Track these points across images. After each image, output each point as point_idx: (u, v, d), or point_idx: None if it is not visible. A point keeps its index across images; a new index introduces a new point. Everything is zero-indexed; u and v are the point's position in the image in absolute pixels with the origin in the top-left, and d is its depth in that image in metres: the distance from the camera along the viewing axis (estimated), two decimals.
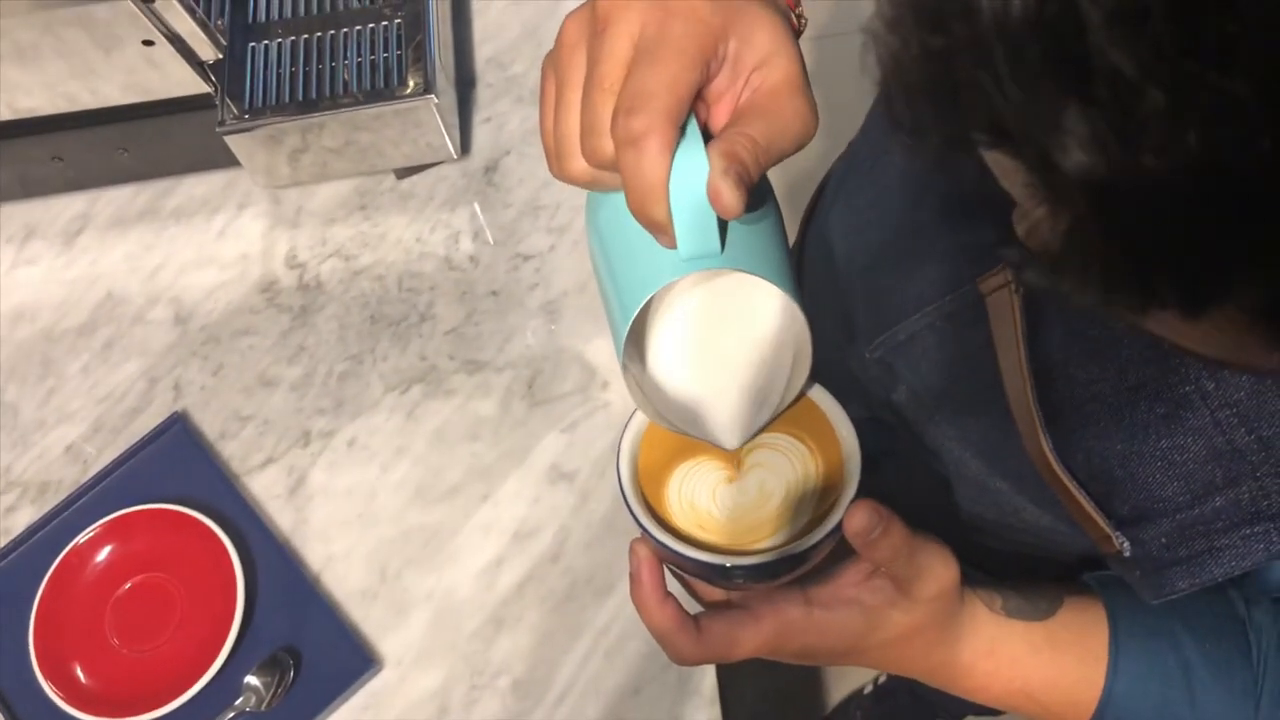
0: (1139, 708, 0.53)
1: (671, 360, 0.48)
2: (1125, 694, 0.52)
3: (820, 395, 0.51)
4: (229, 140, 0.79)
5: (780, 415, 0.51)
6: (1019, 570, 0.59)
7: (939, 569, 0.49)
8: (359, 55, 0.80)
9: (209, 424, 0.80)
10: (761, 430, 0.51)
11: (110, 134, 0.83)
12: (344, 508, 0.77)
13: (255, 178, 0.84)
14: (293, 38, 0.81)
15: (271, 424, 0.80)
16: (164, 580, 0.74)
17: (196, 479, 0.77)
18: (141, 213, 0.89)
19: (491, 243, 0.84)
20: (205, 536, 0.72)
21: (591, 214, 0.46)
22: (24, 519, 0.78)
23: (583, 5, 0.41)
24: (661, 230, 0.39)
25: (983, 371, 0.53)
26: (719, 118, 0.41)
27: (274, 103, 0.79)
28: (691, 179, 0.38)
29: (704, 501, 0.50)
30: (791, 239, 0.81)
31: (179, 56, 0.76)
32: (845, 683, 1.54)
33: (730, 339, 0.48)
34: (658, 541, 0.48)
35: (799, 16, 0.46)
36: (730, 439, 0.50)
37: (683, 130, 0.38)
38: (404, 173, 0.87)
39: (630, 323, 0.42)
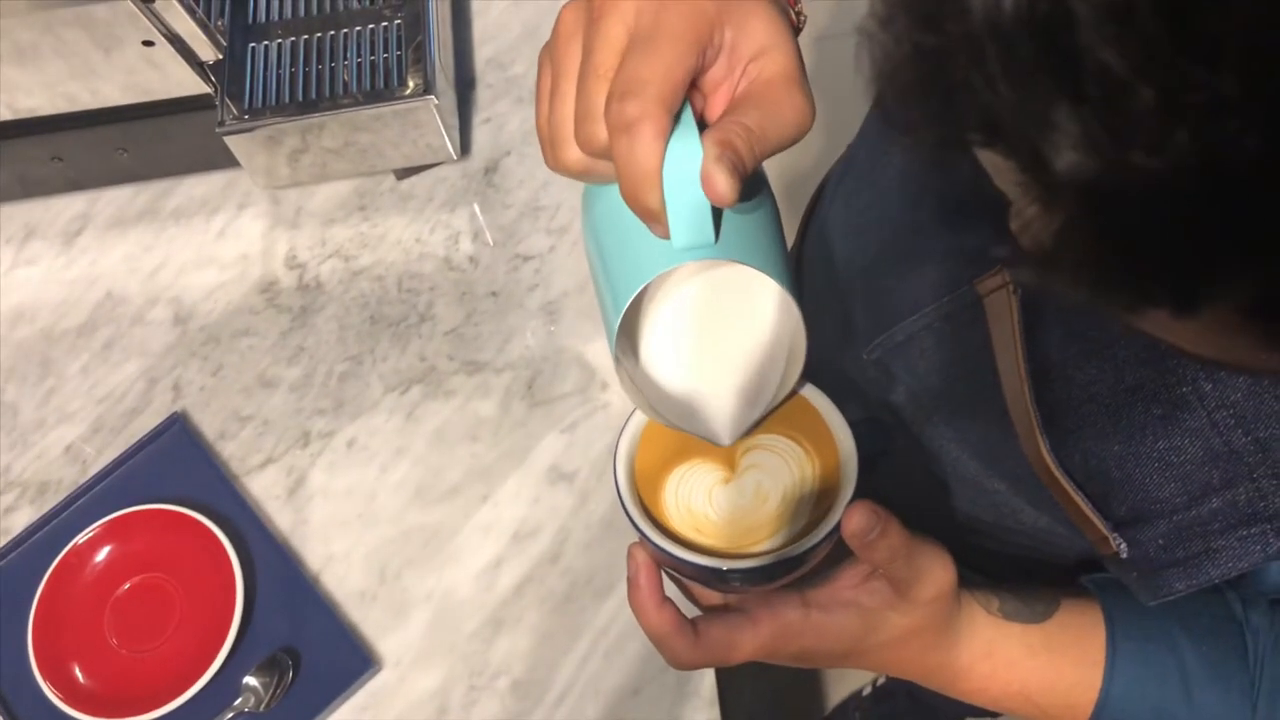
0: (1136, 710, 0.53)
1: (665, 353, 0.48)
2: (1122, 696, 0.52)
3: (817, 397, 0.51)
4: (229, 141, 0.79)
5: (775, 412, 0.51)
6: (1016, 572, 0.59)
7: (937, 571, 0.49)
8: (359, 56, 0.80)
9: (208, 424, 0.80)
10: (756, 425, 0.50)
11: (110, 134, 0.83)
12: (343, 508, 0.77)
13: (255, 178, 0.84)
14: (293, 38, 0.81)
15: (271, 424, 0.80)
16: (163, 580, 0.74)
17: (196, 479, 0.77)
18: (141, 213, 0.89)
19: (491, 244, 0.84)
20: (204, 537, 0.72)
21: (587, 207, 0.46)
22: (23, 519, 0.78)
23: None
24: (654, 218, 0.39)
25: (981, 373, 0.53)
26: (715, 107, 0.41)
27: (274, 103, 0.79)
28: (685, 166, 0.37)
29: (700, 504, 0.50)
30: (790, 240, 0.82)
31: (179, 57, 0.76)
32: (844, 684, 1.54)
33: (725, 332, 0.48)
34: (654, 545, 0.48)
35: (798, 14, 0.46)
36: (724, 434, 0.50)
37: (677, 118, 0.38)
38: (404, 173, 0.87)
39: (622, 314, 0.41)
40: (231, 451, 0.79)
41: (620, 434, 0.51)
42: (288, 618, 0.73)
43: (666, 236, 0.39)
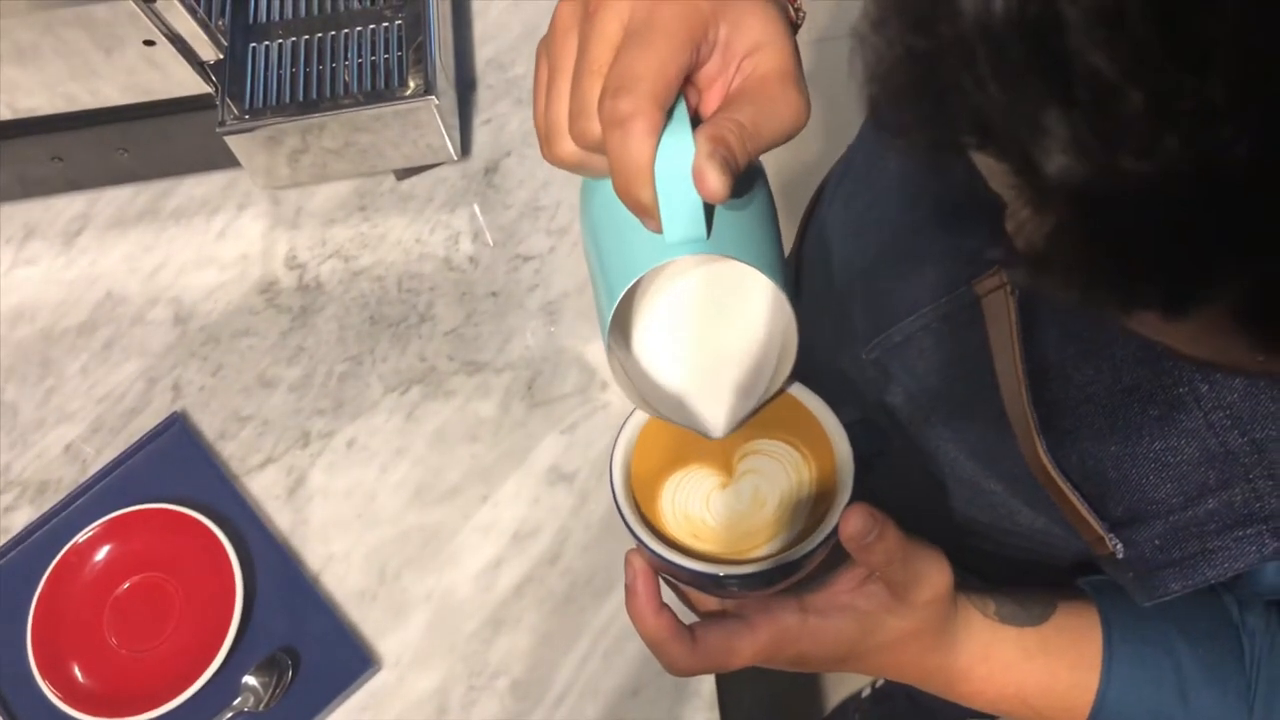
0: (1133, 712, 0.53)
1: (658, 345, 0.48)
2: (1119, 699, 0.52)
3: (812, 401, 0.51)
4: (229, 141, 0.79)
5: (766, 406, 0.51)
6: (1013, 574, 0.59)
7: (933, 573, 0.49)
8: (359, 56, 0.80)
9: (208, 424, 0.80)
10: (748, 419, 0.50)
11: (110, 134, 0.83)
12: (343, 508, 0.77)
13: (255, 178, 0.84)
14: (293, 38, 0.81)
15: (271, 424, 0.80)
16: (163, 580, 0.74)
17: (195, 479, 0.77)
18: (141, 213, 0.89)
19: (491, 244, 0.84)
20: (204, 536, 0.73)
21: (584, 199, 0.46)
22: (23, 518, 0.78)
23: None
24: (647, 213, 0.39)
25: (978, 373, 0.53)
26: (710, 104, 0.41)
27: (274, 103, 0.79)
28: (678, 162, 0.38)
29: (697, 510, 0.50)
30: (790, 241, 0.82)
31: (179, 57, 0.76)
32: (843, 686, 1.54)
33: (717, 326, 0.48)
34: (651, 551, 0.48)
35: (797, 10, 0.46)
36: (715, 426, 0.50)
37: (671, 114, 0.38)
38: (404, 174, 0.87)
39: (615, 306, 0.42)
40: (231, 451, 0.79)
41: (615, 441, 0.51)
42: (287, 617, 0.73)
43: (659, 231, 0.39)
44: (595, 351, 0.80)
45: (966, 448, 0.59)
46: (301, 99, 0.79)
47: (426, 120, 0.79)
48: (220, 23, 0.81)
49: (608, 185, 0.41)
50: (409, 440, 0.78)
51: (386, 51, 0.80)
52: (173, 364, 0.83)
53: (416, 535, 0.76)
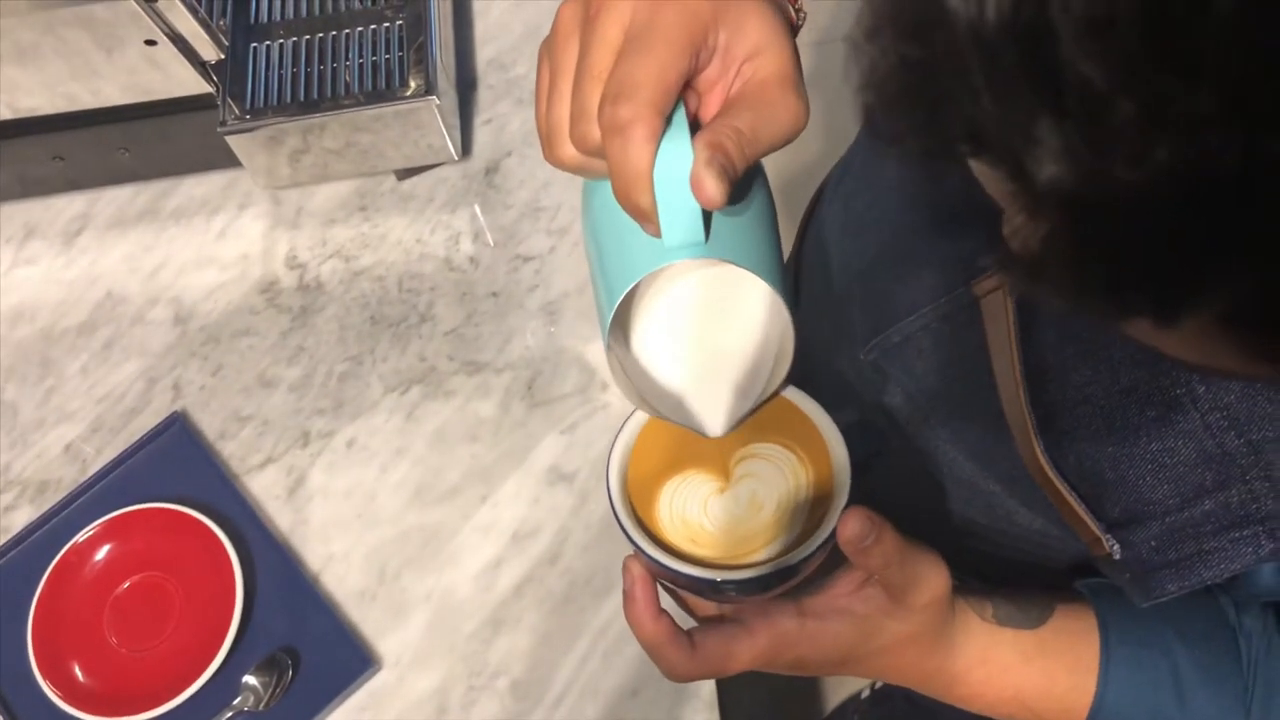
0: (1130, 714, 0.53)
1: (656, 344, 0.49)
2: (1116, 701, 0.52)
3: (809, 405, 0.51)
4: (230, 141, 0.79)
5: (763, 407, 0.51)
6: (1011, 575, 0.59)
7: (931, 576, 0.49)
8: (360, 56, 0.80)
9: (208, 424, 0.80)
10: (745, 419, 0.51)
11: (111, 134, 0.83)
12: (343, 508, 0.77)
13: (256, 178, 0.84)
14: (294, 38, 0.81)
15: (271, 424, 0.80)
16: (163, 579, 0.74)
17: (196, 479, 0.77)
18: (142, 213, 0.89)
19: (491, 244, 0.85)
20: (204, 536, 0.73)
21: (586, 199, 0.47)
22: (23, 518, 0.78)
23: None
24: (646, 218, 0.39)
25: (977, 374, 0.53)
26: (710, 108, 0.41)
27: (275, 103, 0.79)
28: (676, 168, 0.38)
29: (695, 515, 0.50)
30: (789, 242, 0.82)
31: (181, 57, 0.76)
32: (843, 687, 1.54)
33: (715, 327, 0.48)
34: (648, 557, 0.48)
35: (798, 11, 0.46)
36: (714, 426, 0.50)
37: (670, 119, 0.39)
38: (404, 174, 0.87)
39: (614, 309, 0.42)
40: (231, 451, 0.79)
41: (612, 447, 0.51)
42: (287, 617, 0.73)
43: (658, 235, 0.40)
44: (595, 351, 0.80)
45: (965, 448, 0.59)
46: (302, 99, 0.79)
47: (427, 120, 0.79)
48: (221, 22, 0.81)
49: (608, 187, 0.41)
50: (409, 440, 0.78)
51: (387, 51, 0.80)
52: (173, 364, 0.83)
53: (416, 535, 0.76)
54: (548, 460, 0.77)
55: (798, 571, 0.48)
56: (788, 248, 0.85)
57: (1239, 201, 0.21)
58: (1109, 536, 0.48)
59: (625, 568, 0.51)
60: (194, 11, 0.74)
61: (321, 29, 0.82)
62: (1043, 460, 0.49)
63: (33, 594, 0.72)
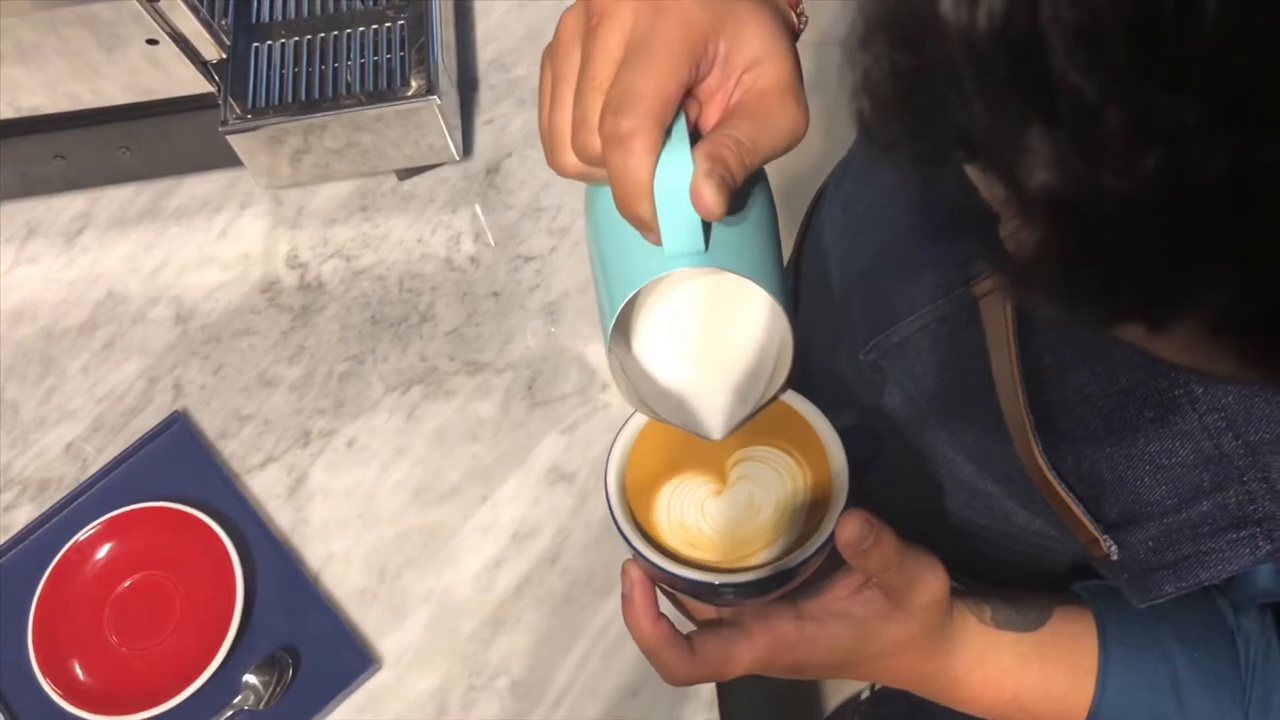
0: (1129, 716, 0.53)
1: (657, 349, 0.49)
2: (1115, 703, 0.52)
3: (806, 408, 0.51)
4: (231, 140, 0.79)
5: (763, 410, 0.51)
6: (1009, 576, 0.59)
7: (929, 579, 0.49)
8: (362, 56, 0.81)
9: (209, 423, 0.80)
10: (745, 422, 0.51)
11: (112, 133, 0.83)
12: (343, 508, 0.77)
13: (257, 178, 0.84)
14: (296, 38, 0.81)
15: (271, 424, 0.80)
16: (163, 579, 0.74)
17: (196, 478, 0.77)
18: (143, 212, 0.89)
19: (492, 244, 0.85)
20: (205, 535, 0.73)
21: (588, 205, 0.47)
22: (23, 517, 0.78)
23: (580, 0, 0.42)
24: (646, 228, 0.40)
25: (976, 375, 0.53)
26: (710, 117, 0.42)
27: (276, 103, 0.79)
28: (676, 179, 0.38)
29: (693, 518, 0.50)
30: (789, 243, 0.82)
31: (182, 56, 0.76)
32: (843, 689, 1.54)
33: (716, 333, 0.49)
34: (647, 561, 0.48)
35: (800, 14, 0.46)
36: (713, 428, 0.50)
37: (670, 130, 0.39)
38: (405, 174, 0.88)
39: (615, 316, 0.43)
40: (232, 450, 0.79)
41: (610, 450, 0.51)
42: (287, 616, 0.73)
43: (659, 244, 0.40)
44: (595, 352, 0.80)
45: (963, 449, 0.59)
46: (304, 99, 0.79)
47: (428, 120, 0.79)
48: (223, 22, 0.81)
49: (610, 193, 0.41)
50: (409, 440, 0.79)
51: (389, 52, 0.80)
52: (173, 363, 0.83)
53: (416, 535, 0.76)
54: (548, 460, 0.77)
55: (796, 574, 0.48)
56: (788, 249, 0.85)
57: (1226, 209, 0.21)
58: (1107, 537, 0.48)
59: (624, 571, 0.51)
60: (195, 11, 0.74)
61: (323, 29, 0.82)
62: (1041, 461, 0.49)
63: (33, 593, 0.72)
